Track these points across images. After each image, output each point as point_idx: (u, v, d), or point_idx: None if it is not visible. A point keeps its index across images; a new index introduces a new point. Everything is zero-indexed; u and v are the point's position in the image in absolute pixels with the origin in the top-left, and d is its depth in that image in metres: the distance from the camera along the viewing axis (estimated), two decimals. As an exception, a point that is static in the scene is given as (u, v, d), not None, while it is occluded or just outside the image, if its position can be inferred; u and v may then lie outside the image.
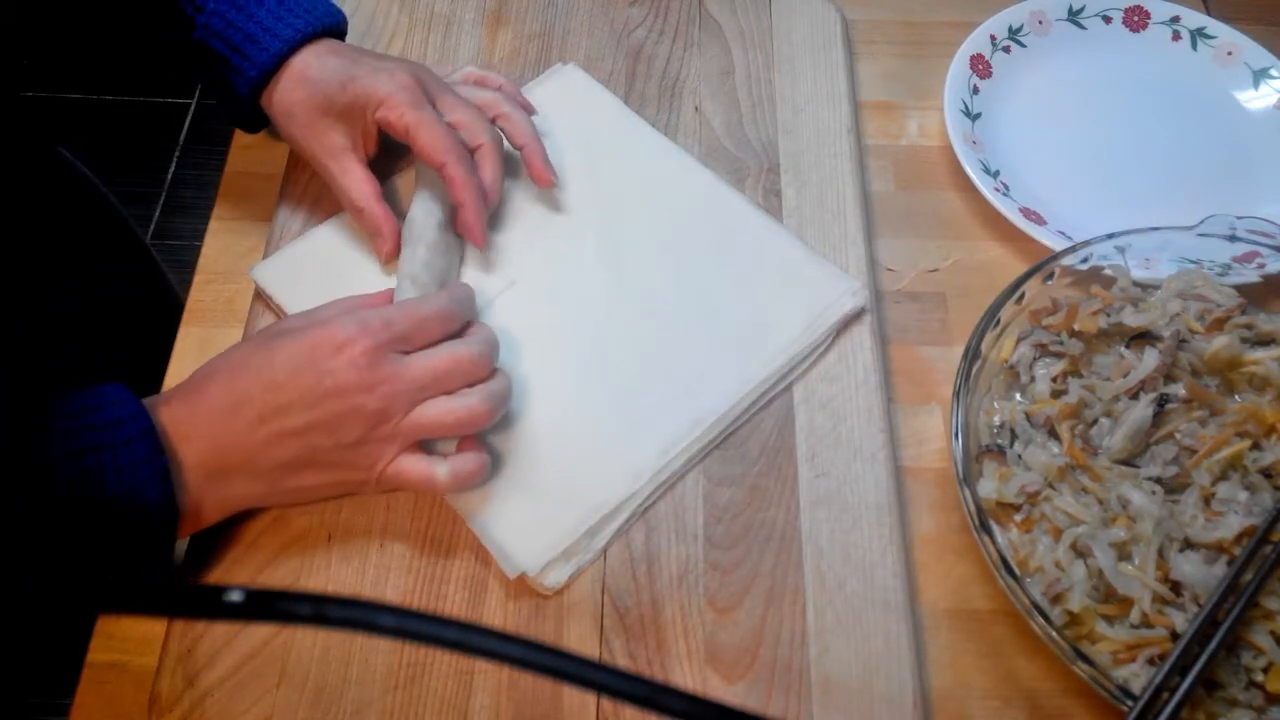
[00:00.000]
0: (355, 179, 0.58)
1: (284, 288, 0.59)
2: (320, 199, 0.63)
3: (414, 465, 0.49)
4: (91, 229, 0.76)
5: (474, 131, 0.58)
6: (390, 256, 0.58)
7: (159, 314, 0.71)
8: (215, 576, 0.51)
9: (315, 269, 0.59)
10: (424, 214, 0.58)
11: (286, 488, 0.49)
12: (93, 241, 0.76)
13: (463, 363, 0.49)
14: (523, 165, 0.61)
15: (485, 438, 0.54)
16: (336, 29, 0.60)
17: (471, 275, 0.60)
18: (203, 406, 0.47)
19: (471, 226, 0.57)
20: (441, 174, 0.56)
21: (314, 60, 0.57)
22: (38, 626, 0.48)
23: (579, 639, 0.50)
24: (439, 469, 0.49)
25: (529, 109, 0.63)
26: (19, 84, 0.72)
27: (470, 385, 0.50)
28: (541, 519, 0.52)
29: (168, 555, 0.47)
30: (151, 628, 0.50)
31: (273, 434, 0.47)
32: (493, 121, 0.60)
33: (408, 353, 0.49)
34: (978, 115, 0.69)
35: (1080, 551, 0.49)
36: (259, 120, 0.61)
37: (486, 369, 0.50)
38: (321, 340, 0.47)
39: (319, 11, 0.58)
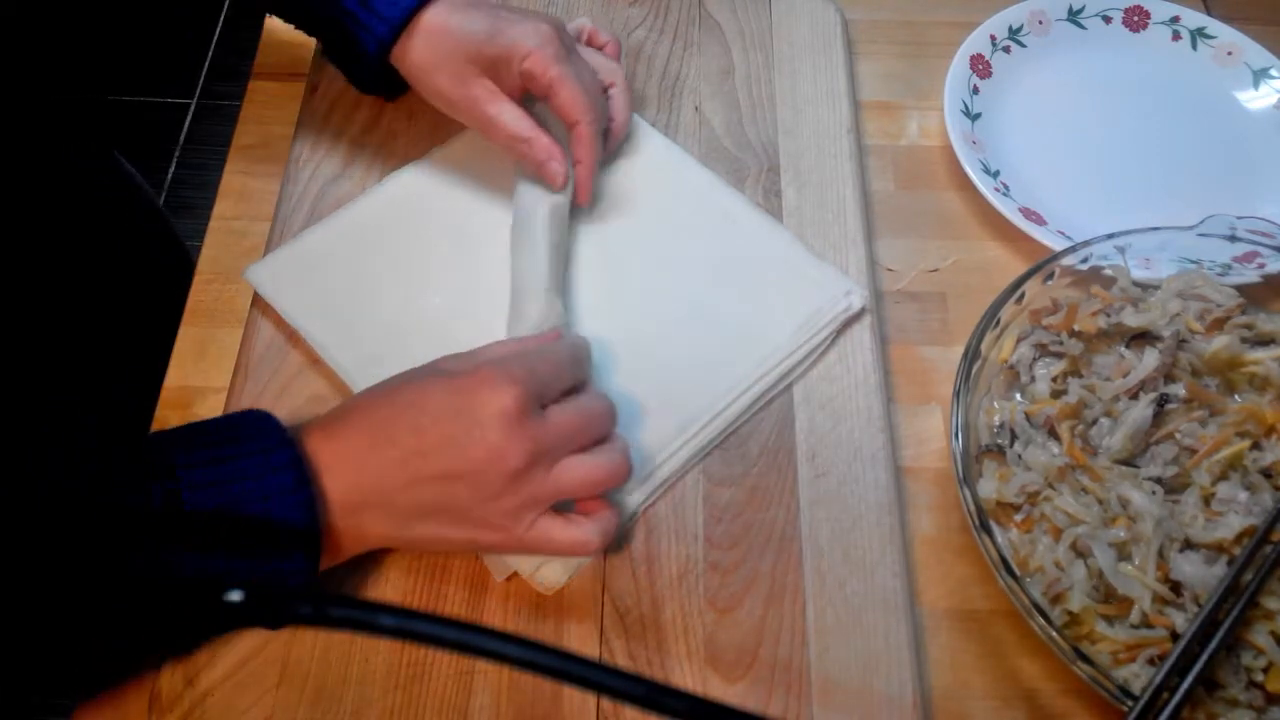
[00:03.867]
0: (513, 114, 0.57)
1: (278, 289, 0.59)
2: (320, 199, 0.63)
3: (563, 530, 0.46)
4: (143, 238, 0.76)
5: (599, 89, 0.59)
6: (563, 179, 0.58)
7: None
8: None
9: (309, 271, 0.59)
10: (535, 218, 0.58)
11: (418, 535, 0.47)
12: (143, 250, 0.76)
13: (595, 418, 0.48)
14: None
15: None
16: None
17: (470, 275, 0.60)
18: (346, 440, 0.46)
19: (583, 184, 0.59)
20: (572, 131, 0.58)
21: (452, 14, 0.56)
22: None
23: (579, 639, 0.50)
24: (590, 532, 0.47)
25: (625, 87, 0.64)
26: (73, 87, 0.72)
27: (598, 440, 0.48)
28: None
29: (310, 587, 0.46)
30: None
31: (413, 477, 0.45)
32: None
33: (544, 406, 0.47)
34: (978, 115, 0.69)
35: (1080, 551, 0.49)
36: (380, 81, 0.60)
37: (613, 423, 0.49)
38: (471, 387, 0.45)
39: None
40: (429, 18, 0.56)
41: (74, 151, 0.68)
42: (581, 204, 0.60)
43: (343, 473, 0.45)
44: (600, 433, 0.48)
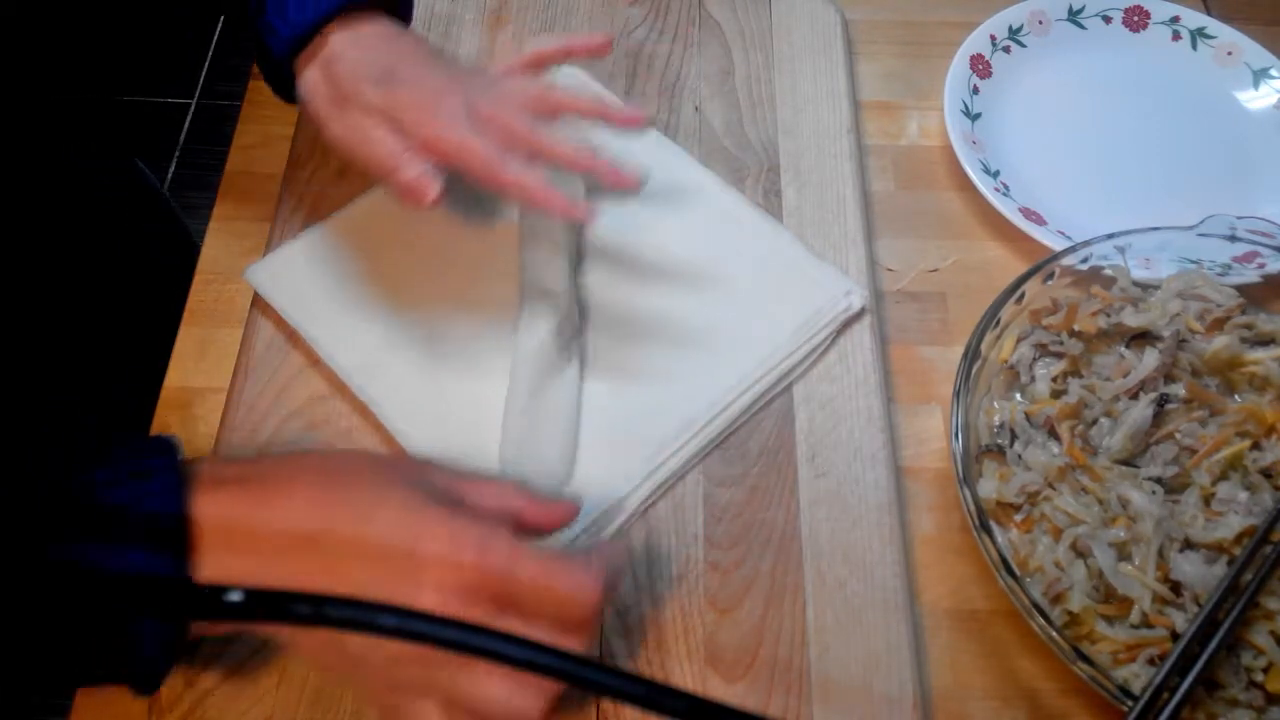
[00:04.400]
0: (382, 139, 0.52)
1: (278, 289, 0.59)
2: (320, 199, 0.63)
3: None
4: (143, 238, 0.76)
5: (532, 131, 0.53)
6: (428, 199, 0.51)
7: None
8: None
9: (309, 271, 0.59)
10: (543, 266, 0.57)
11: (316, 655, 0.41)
12: (144, 250, 0.76)
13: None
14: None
15: (490, 431, 0.54)
16: (395, 3, 0.56)
17: (470, 274, 0.59)
18: (268, 519, 0.39)
19: (560, 208, 0.52)
20: (502, 188, 0.52)
21: (350, 47, 0.53)
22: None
23: (579, 639, 0.50)
24: None
25: (587, 106, 0.56)
26: (105, 90, 0.73)
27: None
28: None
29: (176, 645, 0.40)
30: (151, 628, 0.50)
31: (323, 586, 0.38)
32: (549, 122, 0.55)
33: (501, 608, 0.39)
34: (978, 115, 0.69)
35: (1080, 551, 0.49)
36: (291, 88, 0.56)
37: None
38: (429, 538, 0.38)
39: None
40: (334, 39, 0.53)
41: (74, 151, 0.68)
42: (625, 185, 0.53)
43: (246, 558, 0.39)
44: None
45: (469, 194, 0.57)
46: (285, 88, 0.56)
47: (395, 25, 0.55)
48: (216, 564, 0.39)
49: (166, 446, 0.41)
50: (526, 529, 0.42)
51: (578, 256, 0.60)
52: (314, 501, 0.40)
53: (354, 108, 0.52)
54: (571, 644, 0.39)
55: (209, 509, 0.39)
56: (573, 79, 0.68)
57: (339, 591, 0.35)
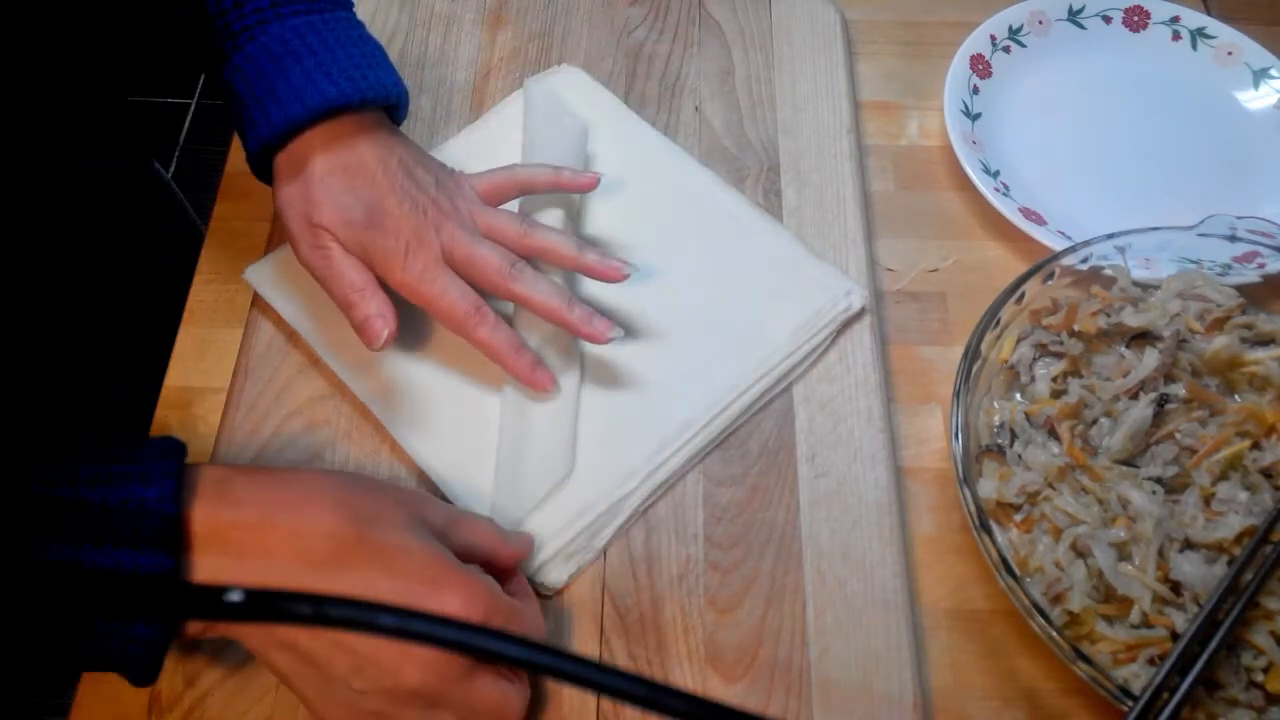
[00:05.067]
0: (347, 273, 0.52)
1: (278, 289, 0.59)
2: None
3: None
4: (143, 238, 0.76)
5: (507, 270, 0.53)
6: (380, 342, 0.52)
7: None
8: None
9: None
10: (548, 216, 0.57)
11: (276, 659, 0.43)
12: (145, 249, 0.76)
13: (504, 713, 0.44)
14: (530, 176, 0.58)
15: (487, 431, 0.54)
16: (386, 102, 0.54)
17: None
18: (284, 531, 0.41)
19: (523, 375, 0.54)
20: (472, 344, 0.53)
21: (334, 174, 0.51)
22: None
23: (579, 639, 0.50)
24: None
25: (568, 258, 0.55)
26: (123, 90, 0.72)
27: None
28: (537, 519, 0.52)
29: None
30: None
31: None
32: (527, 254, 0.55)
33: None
34: (978, 115, 0.69)
35: (1080, 551, 0.49)
36: (269, 177, 0.55)
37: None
38: (444, 593, 0.41)
39: (364, 83, 0.52)
40: (311, 139, 0.51)
41: (75, 151, 0.68)
42: (594, 338, 0.54)
43: (250, 571, 0.40)
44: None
45: None
46: (264, 177, 0.55)
47: (382, 139, 0.53)
48: (213, 568, 0.40)
49: (172, 449, 0.41)
50: (498, 563, 0.47)
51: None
52: (340, 521, 0.41)
53: (327, 236, 0.52)
54: (521, 695, 0.44)
55: (209, 514, 0.40)
56: (573, 79, 0.68)
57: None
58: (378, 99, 0.53)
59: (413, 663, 0.40)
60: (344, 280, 0.52)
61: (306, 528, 0.41)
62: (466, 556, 0.45)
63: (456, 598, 0.41)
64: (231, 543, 0.40)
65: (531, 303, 0.53)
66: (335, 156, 0.52)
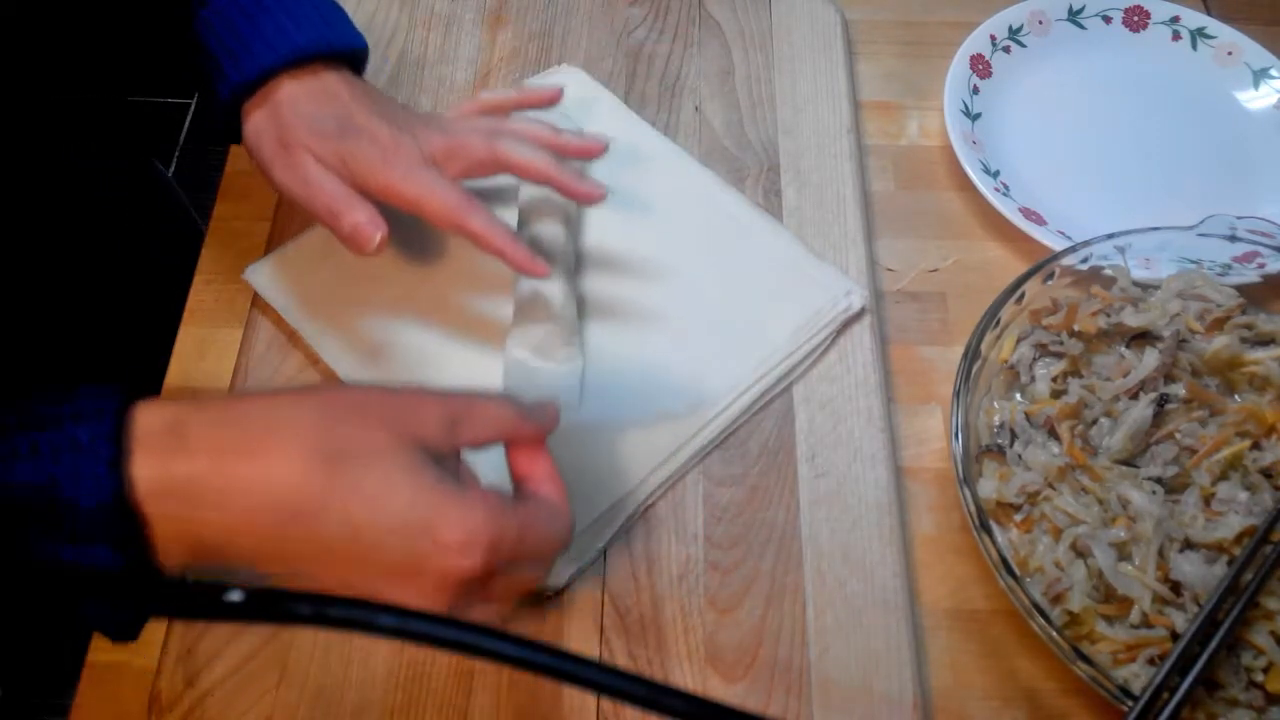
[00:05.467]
0: (328, 185, 0.52)
1: (278, 289, 0.59)
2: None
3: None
4: (143, 238, 0.76)
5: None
6: (371, 245, 0.51)
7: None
8: (215, 576, 0.51)
9: (309, 271, 0.59)
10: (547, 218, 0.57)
11: (270, 570, 0.39)
12: (144, 249, 0.76)
13: (527, 589, 0.42)
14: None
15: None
16: (349, 54, 0.55)
17: (468, 272, 0.59)
18: (240, 483, 0.36)
19: (521, 262, 0.52)
20: (465, 236, 0.52)
21: (303, 98, 0.52)
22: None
23: (579, 639, 0.50)
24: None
25: (545, 138, 0.56)
26: (123, 90, 0.73)
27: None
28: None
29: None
30: (151, 628, 0.50)
31: (316, 551, 0.37)
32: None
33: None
34: (978, 115, 0.69)
35: (1080, 551, 0.49)
36: (236, 131, 0.55)
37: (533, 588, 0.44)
38: (440, 521, 0.37)
39: (331, 33, 0.54)
40: (282, 89, 0.52)
41: (75, 151, 0.68)
42: (587, 198, 0.55)
43: (209, 524, 0.36)
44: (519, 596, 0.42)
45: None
46: (230, 130, 0.55)
47: (347, 76, 0.55)
48: (171, 528, 0.35)
49: (101, 406, 0.36)
50: (520, 442, 0.43)
51: (577, 257, 0.60)
52: (308, 469, 0.36)
53: (302, 153, 0.52)
54: (545, 570, 0.42)
55: (158, 470, 0.35)
56: (572, 79, 0.68)
57: (328, 563, 0.36)
58: (344, 48, 0.55)
59: (419, 590, 0.37)
60: (325, 192, 0.52)
61: (266, 479, 0.36)
62: (485, 446, 0.42)
63: (454, 531, 0.37)
64: (188, 496, 0.36)
65: (520, 165, 0.53)
66: (303, 85, 0.53)
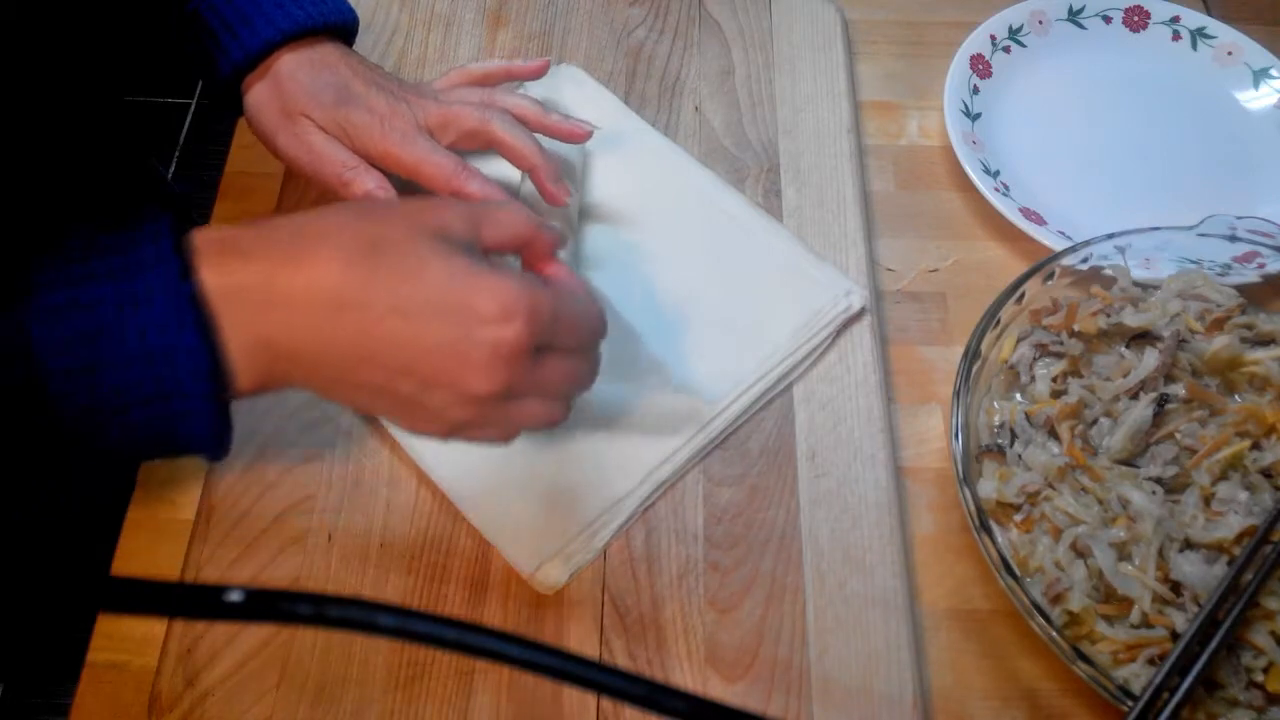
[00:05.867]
0: (333, 152, 0.54)
1: None
2: (320, 199, 0.63)
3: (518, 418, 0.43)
4: None
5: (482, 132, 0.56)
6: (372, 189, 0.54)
7: None
8: (215, 576, 0.51)
9: None
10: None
11: (341, 398, 0.42)
12: None
13: (578, 381, 0.44)
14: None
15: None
16: (344, 28, 0.58)
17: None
18: (307, 288, 0.39)
19: (547, 189, 0.56)
20: (462, 200, 0.52)
21: (302, 68, 0.55)
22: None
23: (579, 639, 0.50)
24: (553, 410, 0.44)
25: (533, 117, 0.58)
26: (121, 88, 0.73)
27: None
28: (537, 519, 0.52)
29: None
30: (151, 628, 0.50)
31: (364, 356, 0.39)
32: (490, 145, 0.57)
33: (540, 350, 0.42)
34: (978, 115, 0.69)
35: (1080, 551, 0.49)
36: (238, 105, 0.58)
37: (588, 385, 0.46)
38: (479, 292, 0.39)
39: (327, 7, 0.57)
40: (283, 62, 0.55)
41: (74, 151, 0.68)
42: (553, 198, 0.57)
43: (274, 323, 0.39)
44: (572, 393, 0.45)
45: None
46: (230, 101, 0.58)
47: (341, 47, 0.57)
48: (242, 331, 0.38)
49: (157, 231, 0.39)
50: (536, 254, 0.45)
51: (576, 258, 0.60)
52: (349, 263, 0.39)
53: (304, 121, 0.55)
54: (590, 362, 0.44)
55: (223, 277, 0.38)
56: (572, 78, 0.68)
57: (381, 353, 0.39)
58: (339, 23, 0.57)
59: (473, 371, 0.39)
60: (333, 160, 0.55)
61: (315, 278, 0.39)
62: (503, 251, 0.44)
63: (492, 302, 0.39)
64: (253, 298, 0.38)
65: (507, 144, 0.56)
66: (301, 56, 0.56)
